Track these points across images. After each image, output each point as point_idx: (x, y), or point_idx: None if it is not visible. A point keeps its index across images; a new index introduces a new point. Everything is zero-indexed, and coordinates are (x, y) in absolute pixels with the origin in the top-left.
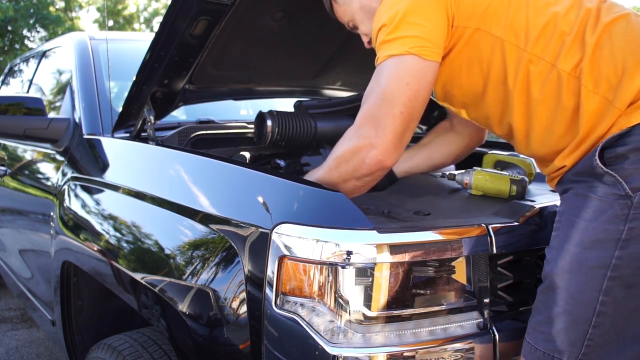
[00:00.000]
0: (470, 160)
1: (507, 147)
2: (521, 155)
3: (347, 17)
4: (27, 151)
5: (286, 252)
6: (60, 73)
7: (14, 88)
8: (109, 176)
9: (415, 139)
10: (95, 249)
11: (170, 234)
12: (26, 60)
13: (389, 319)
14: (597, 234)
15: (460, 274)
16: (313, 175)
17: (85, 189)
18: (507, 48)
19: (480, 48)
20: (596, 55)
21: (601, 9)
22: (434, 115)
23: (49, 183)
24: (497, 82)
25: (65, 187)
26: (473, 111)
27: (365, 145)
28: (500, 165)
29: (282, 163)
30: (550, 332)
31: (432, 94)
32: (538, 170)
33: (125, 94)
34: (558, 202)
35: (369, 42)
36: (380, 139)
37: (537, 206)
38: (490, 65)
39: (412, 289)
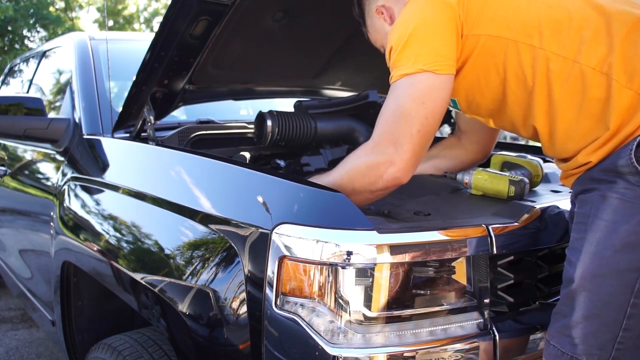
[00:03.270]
0: None
1: (515, 148)
2: (529, 157)
3: (379, 44)
4: (27, 151)
5: (286, 253)
6: (60, 73)
7: (14, 88)
8: (109, 176)
9: None
10: (95, 249)
11: (170, 234)
12: (26, 60)
13: (389, 320)
14: (628, 236)
15: (461, 274)
16: (322, 182)
17: (85, 189)
18: (521, 49)
19: (494, 54)
20: (628, 49)
21: (617, 1)
22: None
23: (49, 183)
24: (516, 84)
25: (65, 187)
26: (498, 118)
27: (384, 162)
28: (507, 166)
29: (282, 163)
30: (578, 336)
31: (457, 107)
32: (546, 171)
33: (125, 94)
34: (559, 203)
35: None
36: (399, 157)
37: (538, 207)
38: (506, 68)
39: (413, 290)
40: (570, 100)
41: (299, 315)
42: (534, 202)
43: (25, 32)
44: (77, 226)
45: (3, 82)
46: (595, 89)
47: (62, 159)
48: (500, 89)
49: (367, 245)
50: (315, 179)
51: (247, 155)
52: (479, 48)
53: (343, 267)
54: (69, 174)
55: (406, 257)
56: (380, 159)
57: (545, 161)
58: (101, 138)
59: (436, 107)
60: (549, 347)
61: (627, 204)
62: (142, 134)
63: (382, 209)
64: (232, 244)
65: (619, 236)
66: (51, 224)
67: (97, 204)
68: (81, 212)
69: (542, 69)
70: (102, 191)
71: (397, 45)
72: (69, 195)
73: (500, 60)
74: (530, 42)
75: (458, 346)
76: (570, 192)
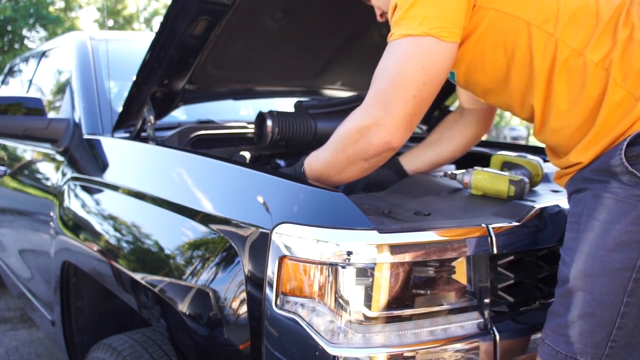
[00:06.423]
0: (475, 161)
1: (515, 148)
2: (529, 157)
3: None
4: (27, 151)
5: (286, 252)
6: (60, 73)
7: (14, 88)
8: (109, 176)
9: (417, 139)
10: (95, 249)
11: (170, 234)
12: (26, 60)
13: (389, 319)
14: (621, 236)
15: (461, 274)
16: (317, 159)
17: (85, 189)
18: (535, 32)
19: (505, 32)
20: (628, 49)
21: (634, 2)
22: (434, 115)
23: (48, 183)
24: (522, 66)
25: (65, 187)
26: (496, 97)
27: (372, 124)
28: (507, 166)
29: (282, 163)
30: (573, 335)
31: (454, 80)
32: (546, 171)
33: (125, 94)
34: (559, 203)
35: (382, 15)
36: (389, 120)
37: (538, 206)
38: (515, 49)
39: (413, 289)
40: (569, 91)
41: (299, 315)
42: (534, 201)
43: (24, 32)
44: (77, 226)
45: (3, 82)
46: (594, 84)
47: (62, 159)
48: (505, 69)
49: (367, 245)
50: (311, 159)
51: (247, 155)
52: (487, 22)
53: (343, 267)
54: (69, 174)
55: (406, 257)
56: (369, 122)
57: (545, 161)
58: (101, 138)
59: (436, 74)
60: (544, 346)
61: (619, 203)
62: (142, 134)
63: (382, 209)
64: (232, 244)
65: (611, 236)
66: (51, 223)
67: (97, 204)
68: (81, 212)
69: (550, 56)
70: (102, 191)
71: (405, 2)
72: (68, 195)
73: (510, 39)
74: (545, 27)
75: (458, 346)
76: None
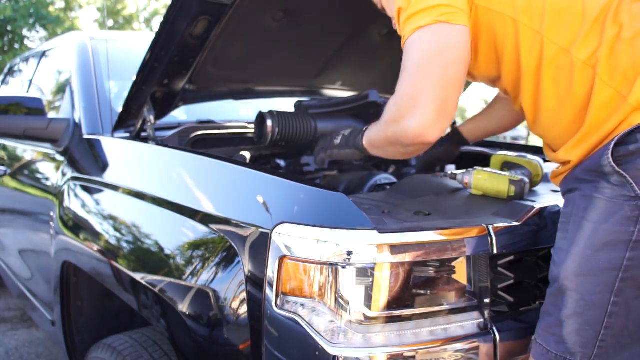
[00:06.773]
0: (475, 161)
1: (515, 148)
2: (529, 157)
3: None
4: (27, 151)
5: (286, 252)
6: (60, 73)
7: (14, 88)
8: (109, 176)
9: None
10: (95, 249)
11: (170, 234)
12: (26, 60)
13: (390, 319)
14: (607, 236)
15: (461, 274)
16: (372, 128)
17: (85, 189)
18: (522, 29)
19: (495, 29)
20: (616, 47)
21: (623, 1)
22: None
23: (48, 183)
24: (511, 63)
25: (65, 187)
26: (496, 87)
27: (406, 116)
28: (507, 166)
29: (282, 163)
30: (562, 334)
31: None
32: (546, 171)
33: (125, 94)
34: (559, 203)
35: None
36: (420, 111)
37: (538, 206)
38: (504, 47)
39: (413, 289)
40: (556, 89)
41: (299, 315)
42: (534, 202)
43: (24, 32)
44: (77, 226)
45: (3, 82)
46: (581, 82)
47: (62, 159)
48: (496, 67)
49: (368, 245)
50: (373, 124)
51: (247, 155)
52: (477, 20)
53: (343, 267)
54: (69, 174)
55: (406, 257)
56: (402, 113)
57: (545, 161)
58: (101, 138)
59: (457, 57)
60: (536, 345)
61: (607, 203)
62: (142, 134)
63: (382, 209)
64: (232, 244)
65: (598, 235)
66: (51, 223)
67: (97, 204)
68: (81, 212)
69: (537, 53)
70: (102, 191)
71: (406, 2)
72: (69, 195)
73: (500, 38)
74: (531, 25)
75: (458, 346)
76: None
